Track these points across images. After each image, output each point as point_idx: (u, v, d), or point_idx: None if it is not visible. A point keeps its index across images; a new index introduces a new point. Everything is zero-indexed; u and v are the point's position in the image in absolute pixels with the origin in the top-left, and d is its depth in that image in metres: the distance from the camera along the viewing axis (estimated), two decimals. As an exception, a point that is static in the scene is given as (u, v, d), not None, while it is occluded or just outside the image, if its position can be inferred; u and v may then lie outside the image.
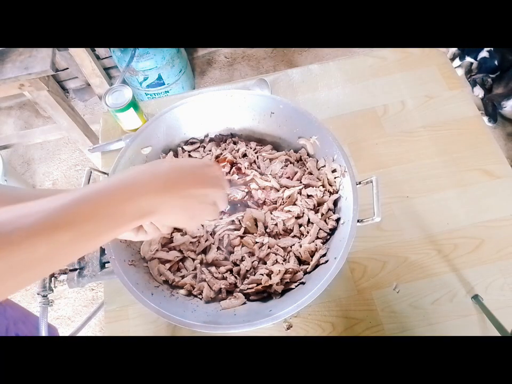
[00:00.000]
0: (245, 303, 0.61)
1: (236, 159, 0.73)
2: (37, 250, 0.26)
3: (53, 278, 0.63)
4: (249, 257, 0.65)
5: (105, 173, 0.66)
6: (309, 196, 0.69)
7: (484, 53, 1.67)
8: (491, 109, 1.70)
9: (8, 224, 0.25)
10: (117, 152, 0.68)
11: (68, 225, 0.27)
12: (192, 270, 0.65)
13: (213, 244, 0.67)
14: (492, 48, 1.66)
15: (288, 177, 0.72)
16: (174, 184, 0.35)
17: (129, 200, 0.32)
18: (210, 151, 0.75)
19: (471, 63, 1.76)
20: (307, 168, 0.72)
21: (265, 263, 0.64)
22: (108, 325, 0.67)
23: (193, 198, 0.37)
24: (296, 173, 0.72)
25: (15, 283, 0.26)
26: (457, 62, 1.77)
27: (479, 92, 1.77)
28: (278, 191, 0.70)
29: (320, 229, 0.65)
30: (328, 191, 0.68)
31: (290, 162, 0.74)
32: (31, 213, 0.27)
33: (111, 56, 1.68)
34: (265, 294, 0.62)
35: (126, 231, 0.33)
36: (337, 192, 0.67)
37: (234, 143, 0.77)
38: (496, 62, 1.65)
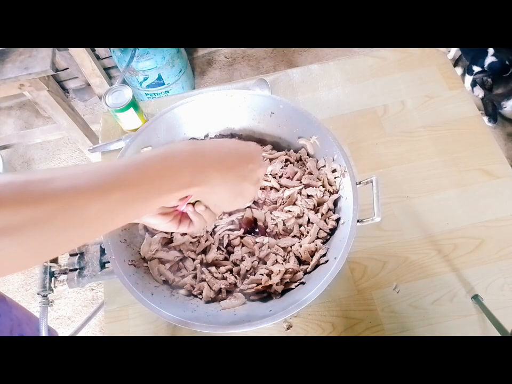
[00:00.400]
0: (245, 303, 0.61)
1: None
2: (88, 208, 0.26)
3: (53, 278, 0.63)
4: (249, 257, 0.65)
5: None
6: (309, 196, 0.69)
7: (490, 58, 1.63)
8: (491, 109, 1.70)
9: (60, 181, 0.26)
10: (117, 152, 0.68)
11: (119, 187, 0.28)
12: (192, 270, 0.65)
13: (213, 243, 0.67)
14: (494, 51, 1.64)
15: (288, 177, 0.72)
16: (222, 160, 0.36)
17: (180, 168, 0.33)
18: (210, 151, 0.75)
19: (482, 75, 1.72)
20: (307, 168, 0.72)
21: (265, 263, 0.64)
22: (108, 325, 0.67)
23: (240, 176, 0.37)
24: (296, 173, 0.72)
25: (64, 241, 0.27)
26: (467, 78, 1.74)
27: (479, 92, 1.77)
28: (278, 191, 0.70)
29: (320, 229, 0.65)
30: (328, 191, 0.69)
31: (290, 162, 0.74)
32: (82, 174, 0.27)
33: (111, 56, 1.68)
34: (265, 294, 0.62)
35: (173, 199, 0.34)
36: (337, 192, 0.67)
37: (234, 143, 0.76)
38: (507, 62, 1.60)
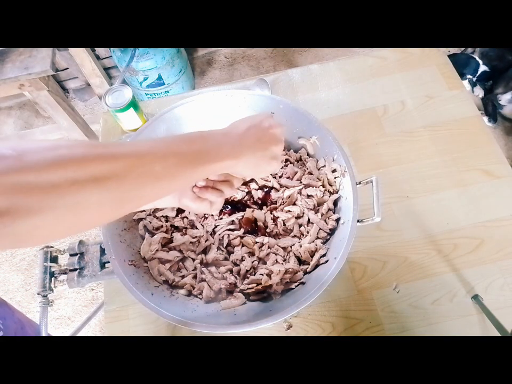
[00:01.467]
0: (245, 303, 0.61)
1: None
2: (153, 168, 0.32)
3: (53, 278, 0.63)
4: (249, 257, 0.65)
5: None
6: (309, 196, 0.69)
7: (482, 67, 1.74)
8: (491, 109, 1.70)
9: (127, 146, 0.32)
10: (117, 152, 0.68)
11: (173, 154, 0.34)
12: (192, 270, 0.65)
13: (213, 244, 0.67)
14: (481, 61, 1.74)
15: (288, 177, 0.72)
16: (246, 137, 0.43)
17: (218, 143, 0.40)
18: (210, 151, 0.75)
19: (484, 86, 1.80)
20: (307, 168, 0.72)
21: (265, 263, 0.64)
22: (108, 325, 0.67)
23: (266, 143, 0.44)
24: (296, 173, 0.72)
25: (136, 196, 0.32)
26: (466, 84, 1.79)
27: (479, 92, 1.77)
28: (278, 191, 0.70)
29: (320, 229, 0.65)
30: (328, 191, 0.68)
31: (290, 162, 0.74)
32: (141, 143, 0.34)
33: (111, 56, 1.68)
34: (265, 294, 0.62)
35: (215, 170, 0.40)
36: (337, 192, 0.67)
37: (234, 143, 0.76)
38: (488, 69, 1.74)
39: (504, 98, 1.63)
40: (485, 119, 1.70)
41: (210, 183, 0.47)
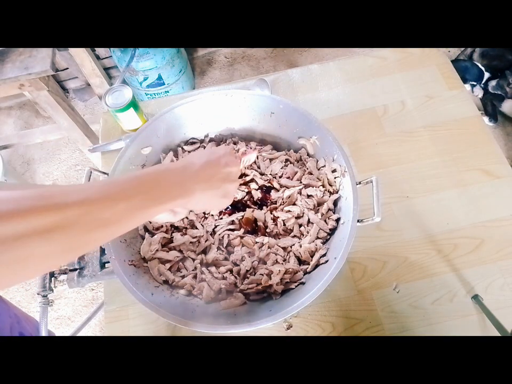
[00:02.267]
0: (245, 303, 0.60)
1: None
2: (101, 215, 0.32)
3: (53, 278, 0.63)
4: (249, 257, 0.65)
5: (105, 173, 0.66)
6: (309, 196, 0.69)
7: (486, 74, 1.73)
8: (491, 109, 1.70)
9: (76, 194, 0.31)
10: (117, 152, 0.68)
11: (123, 198, 0.34)
12: (192, 270, 0.65)
13: (213, 243, 0.67)
14: (484, 68, 1.74)
15: (288, 177, 0.72)
16: (200, 174, 0.44)
17: (170, 183, 0.40)
18: (210, 151, 0.75)
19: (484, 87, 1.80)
20: (307, 168, 0.72)
21: (265, 263, 0.64)
22: (108, 325, 0.67)
23: (219, 181, 0.46)
24: (296, 173, 0.72)
25: (84, 242, 0.31)
26: (467, 86, 1.80)
27: (479, 92, 1.77)
28: (278, 191, 0.70)
29: (320, 229, 0.65)
30: (328, 191, 0.68)
31: (290, 162, 0.74)
32: (93, 188, 0.33)
33: (111, 56, 1.68)
34: (265, 294, 0.62)
35: (167, 209, 0.41)
36: (337, 192, 0.67)
37: (234, 143, 0.77)
38: (498, 73, 1.73)
39: (491, 85, 1.64)
40: (485, 119, 1.70)
41: None
